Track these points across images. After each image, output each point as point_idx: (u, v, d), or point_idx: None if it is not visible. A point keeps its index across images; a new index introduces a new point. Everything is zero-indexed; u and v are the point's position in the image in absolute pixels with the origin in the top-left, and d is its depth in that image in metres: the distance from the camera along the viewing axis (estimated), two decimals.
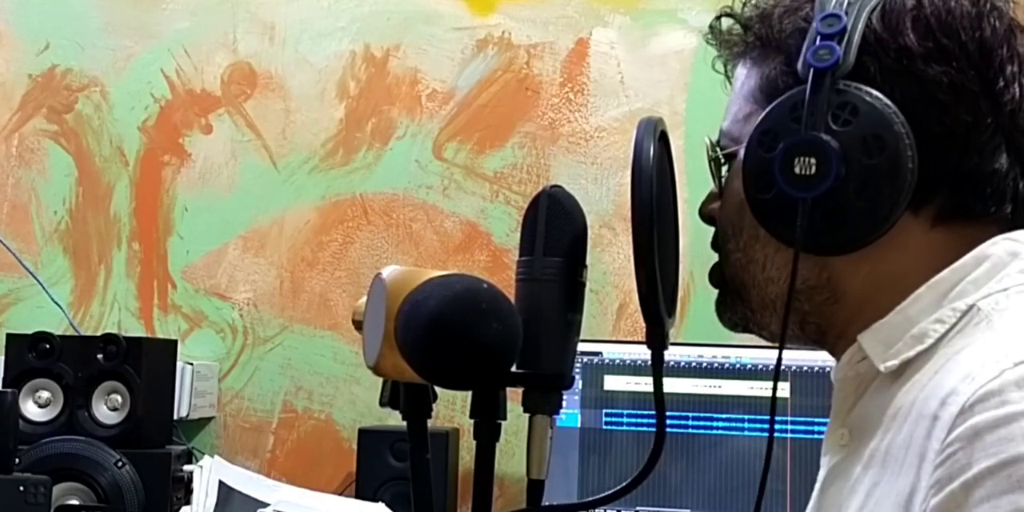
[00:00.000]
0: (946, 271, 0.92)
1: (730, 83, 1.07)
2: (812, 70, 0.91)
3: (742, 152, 0.98)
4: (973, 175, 0.92)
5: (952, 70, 0.92)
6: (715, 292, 1.07)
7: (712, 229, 1.06)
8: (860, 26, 0.91)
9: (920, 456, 0.82)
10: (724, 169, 1.03)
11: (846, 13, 0.92)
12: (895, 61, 0.92)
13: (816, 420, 2.14)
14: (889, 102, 0.90)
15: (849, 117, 0.90)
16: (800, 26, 0.95)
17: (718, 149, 1.03)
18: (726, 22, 1.04)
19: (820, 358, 2.13)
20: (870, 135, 0.90)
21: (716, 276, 1.05)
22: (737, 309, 1.03)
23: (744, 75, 1.02)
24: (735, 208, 1.00)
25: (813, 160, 0.90)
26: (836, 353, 1.00)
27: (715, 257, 1.06)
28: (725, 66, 1.07)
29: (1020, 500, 0.74)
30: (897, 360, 0.91)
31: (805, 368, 2.16)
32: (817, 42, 0.91)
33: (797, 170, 0.90)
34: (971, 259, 0.92)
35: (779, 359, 0.94)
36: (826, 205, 0.90)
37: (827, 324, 0.98)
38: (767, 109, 0.94)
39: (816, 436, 2.13)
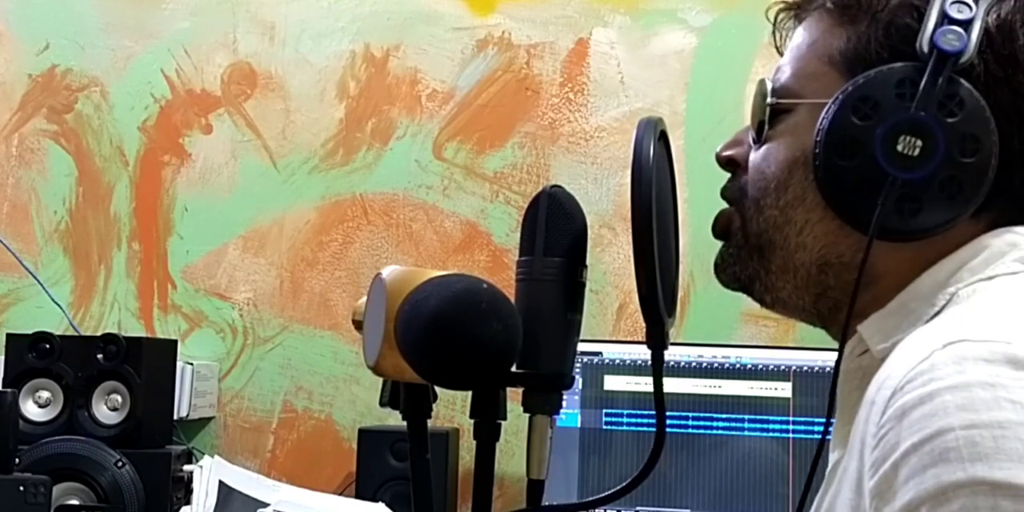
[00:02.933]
0: (945, 260, 0.92)
1: (777, 32, 1.05)
2: (936, 52, 0.89)
3: (804, 108, 0.97)
4: None
5: None
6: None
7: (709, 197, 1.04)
8: (980, 21, 0.90)
9: (862, 440, 0.83)
10: (768, 117, 1.00)
11: (974, 2, 0.91)
12: (1000, 67, 0.91)
13: (817, 420, 2.14)
14: (986, 105, 0.89)
15: (955, 109, 0.89)
16: (910, 1, 0.93)
17: (773, 98, 1.00)
18: None
19: (822, 358, 2.13)
20: (969, 134, 0.89)
21: (721, 226, 1.04)
22: (749, 265, 1.01)
23: (820, 31, 0.99)
24: (784, 164, 0.98)
25: (919, 142, 0.88)
26: (848, 334, 0.99)
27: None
28: (778, 15, 1.05)
29: (942, 473, 0.74)
30: (889, 343, 0.91)
31: (806, 368, 2.16)
32: (944, 24, 0.90)
33: (900, 148, 0.88)
34: (970, 249, 0.92)
35: (840, 356, 0.91)
36: (907, 190, 0.89)
37: (845, 302, 0.97)
38: (865, 75, 0.92)
39: (817, 436, 2.13)
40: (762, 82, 1.02)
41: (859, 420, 0.85)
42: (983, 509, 0.72)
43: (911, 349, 0.82)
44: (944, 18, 0.90)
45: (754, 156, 1.02)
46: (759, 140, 1.01)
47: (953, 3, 0.90)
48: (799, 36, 1.02)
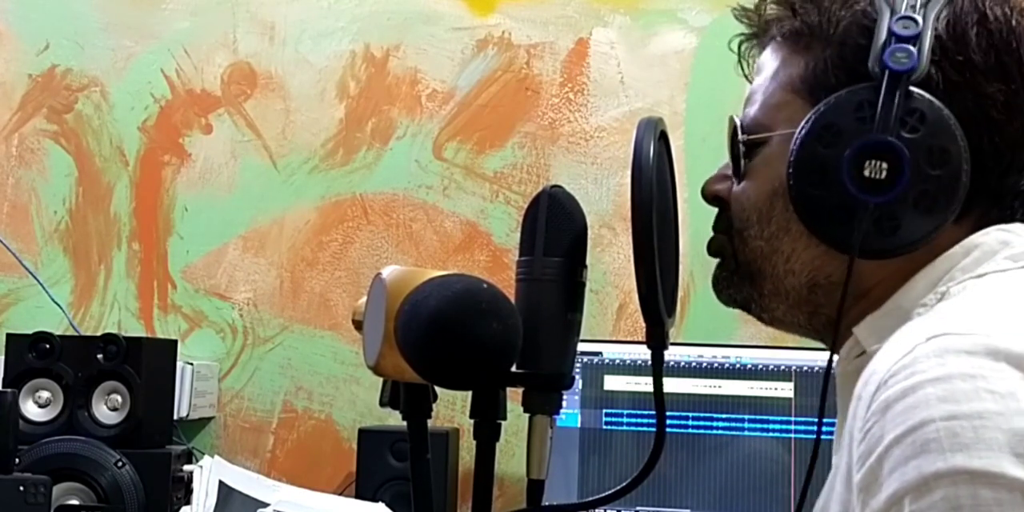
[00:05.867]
0: (937, 260, 0.93)
1: (743, 61, 1.06)
2: (888, 72, 0.89)
3: (775, 140, 0.98)
4: (1013, 190, 0.94)
5: (1008, 89, 0.92)
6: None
7: (703, 222, 1.05)
8: (930, 32, 0.90)
9: (850, 435, 0.83)
10: (743, 152, 1.02)
11: (920, 16, 0.91)
12: (957, 73, 0.92)
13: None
14: (950, 114, 0.90)
15: (917, 124, 0.89)
16: (859, 21, 0.94)
17: (745, 135, 1.01)
18: (768, 2, 1.02)
19: (822, 358, 2.13)
20: (936, 146, 0.89)
21: (715, 247, 1.05)
22: (743, 289, 1.03)
23: (779, 60, 1.00)
24: (764, 196, 0.99)
25: (884, 165, 0.89)
26: (838, 346, 1.00)
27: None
28: (740, 45, 1.06)
29: (923, 464, 0.74)
30: (883, 343, 0.91)
31: (806, 368, 2.15)
32: (892, 43, 0.90)
33: (866, 173, 0.89)
34: (961, 248, 0.93)
35: (829, 363, 0.92)
36: (881, 211, 0.90)
37: (837, 317, 0.98)
38: (826, 102, 0.92)
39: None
40: (731, 120, 1.03)
41: (848, 416, 0.86)
42: (964, 498, 0.73)
43: (896, 344, 0.83)
44: (892, 36, 0.90)
45: (736, 190, 1.04)
46: (739, 175, 1.03)
47: (899, 19, 0.90)
48: (764, 66, 1.03)
